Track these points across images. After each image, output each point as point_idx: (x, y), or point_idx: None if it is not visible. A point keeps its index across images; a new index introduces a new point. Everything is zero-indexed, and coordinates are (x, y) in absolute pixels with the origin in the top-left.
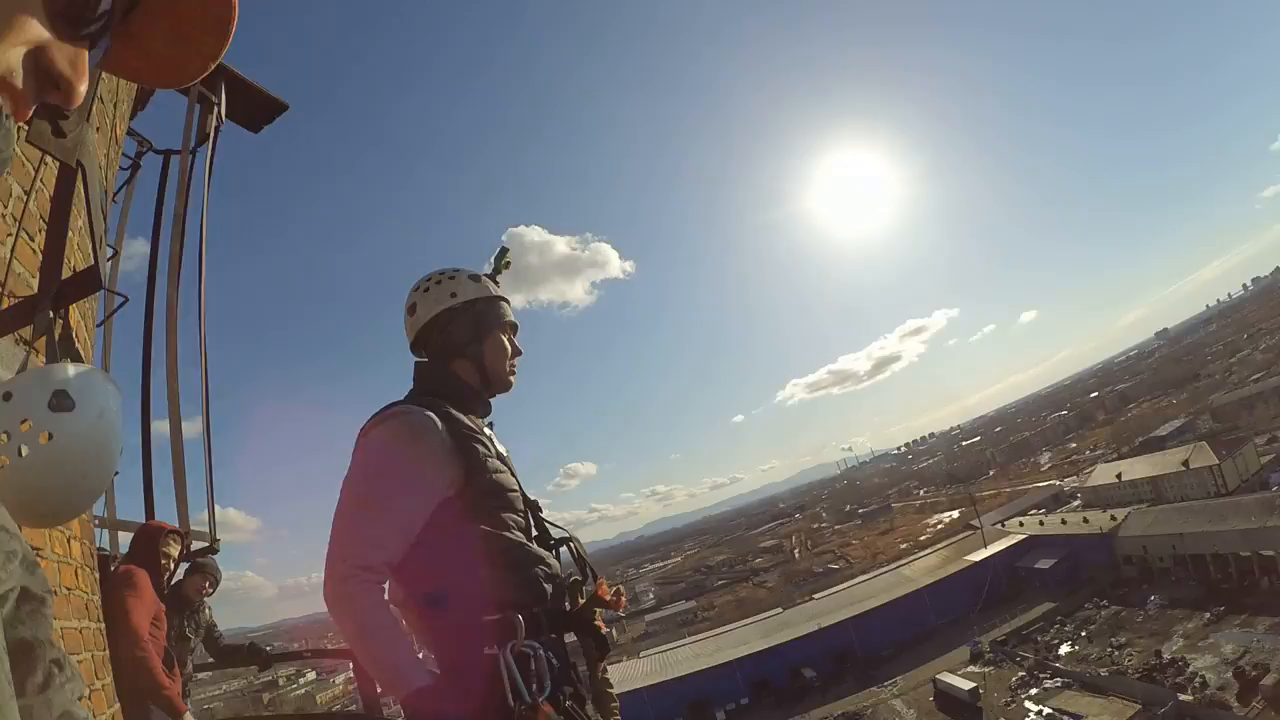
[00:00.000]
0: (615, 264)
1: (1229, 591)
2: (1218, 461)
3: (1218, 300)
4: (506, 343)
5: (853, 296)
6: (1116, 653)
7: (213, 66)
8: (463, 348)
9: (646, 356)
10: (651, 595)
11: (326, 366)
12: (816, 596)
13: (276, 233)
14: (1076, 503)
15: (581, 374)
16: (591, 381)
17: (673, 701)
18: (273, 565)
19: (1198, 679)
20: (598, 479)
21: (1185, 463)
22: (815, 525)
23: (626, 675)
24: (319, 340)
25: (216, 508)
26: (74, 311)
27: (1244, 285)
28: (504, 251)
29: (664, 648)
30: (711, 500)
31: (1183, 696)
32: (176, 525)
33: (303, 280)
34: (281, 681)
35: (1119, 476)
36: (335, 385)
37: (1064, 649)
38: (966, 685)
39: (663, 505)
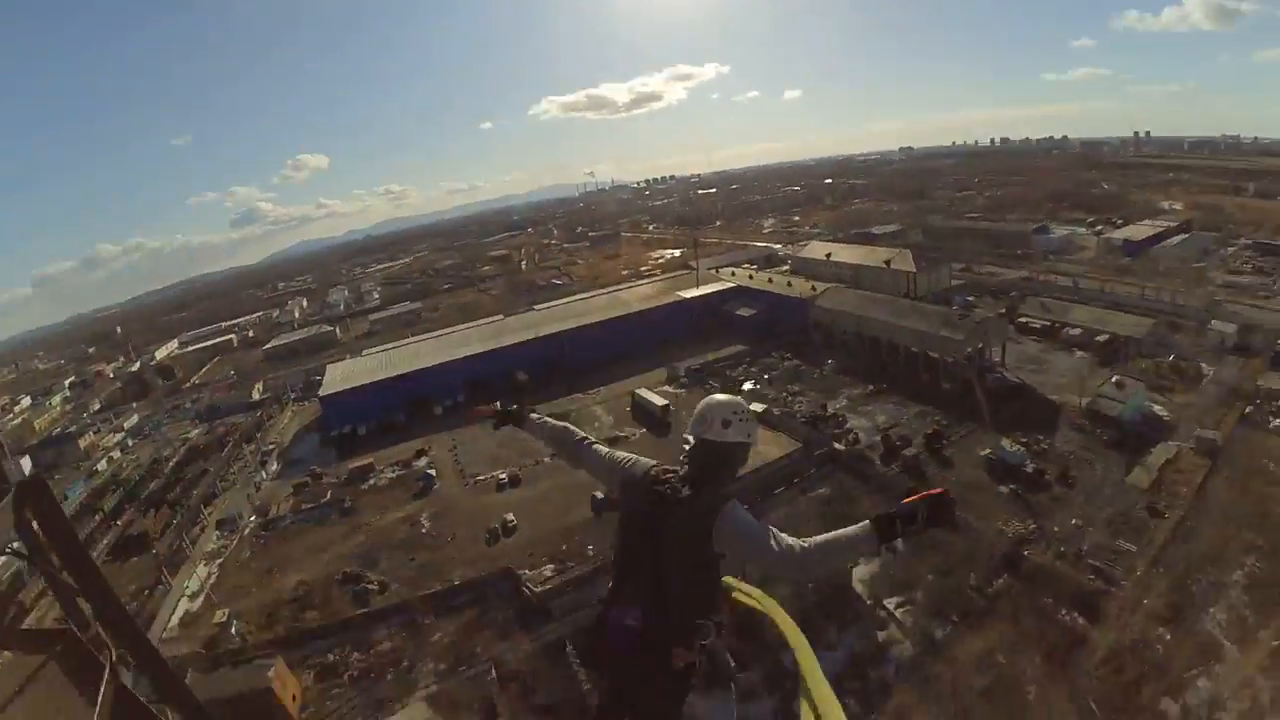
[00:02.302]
0: None
1: (894, 376)
2: (915, 270)
3: (964, 142)
4: None
5: (629, 25)
6: (790, 399)
7: None
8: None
9: (397, 44)
10: (376, 295)
11: None
12: (538, 307)
13: None
14: (786, 268)
15: (316, 52)
16: (327, 63)
17: (393, 398)
18: None
19: (852, 434)
20: (328, 173)
21: (888, 261)
22: (546, 241)
23: (349, 372)
24: None
25: None
26: None
27: (993, 140)
28: None
29: (386, 347)
30: (447, 205)
31: (837, 445)
32: None
33: None
34: None
35: (828, 256)
36: None
37: (747, 385)
38: (660, 401)
39: (395, 205)
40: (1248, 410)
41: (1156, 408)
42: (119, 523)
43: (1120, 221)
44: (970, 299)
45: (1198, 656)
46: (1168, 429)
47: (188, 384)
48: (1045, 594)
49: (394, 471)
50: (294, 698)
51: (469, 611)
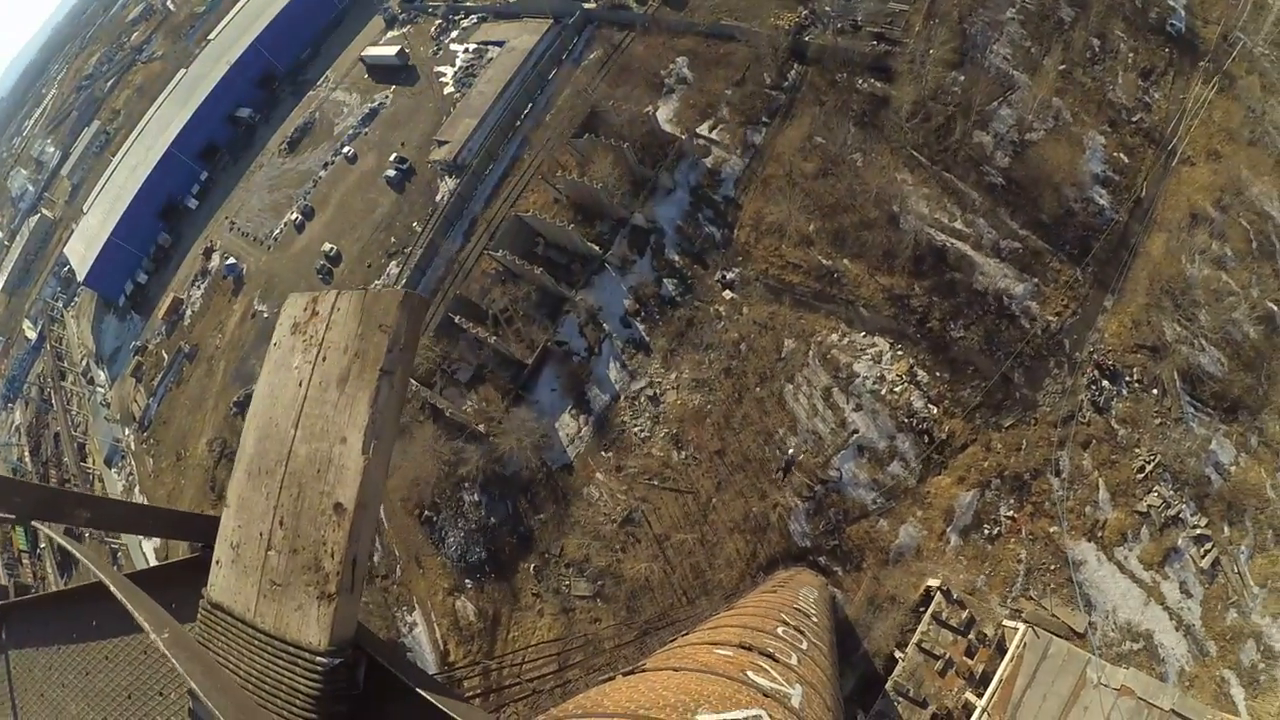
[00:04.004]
0: None
1: None
2: None
3: None
4: None
5: None
6: None
7: None
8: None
9: None
10: (52, 148)
11: None
12: (212, 37)
13: None
14: None
15: None
16: None
17: (144, 225)
18: None
19: None
20: None
21: None
22: None
23: (88, 237)
24: None
25: None
26: None
27: None
28: None
29: (100, 186)
30: (48, 6)
31: (588, 5)
32: None
33: None
34: None
35: None
36: None
37: None
38: (393, 50)
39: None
40: None
41: None
42: (41, 548)
43: None
44: None
45: (994, 89)
46: None
47: None
48: (838, 70)
49: (199, 287)
50: None
51: None
